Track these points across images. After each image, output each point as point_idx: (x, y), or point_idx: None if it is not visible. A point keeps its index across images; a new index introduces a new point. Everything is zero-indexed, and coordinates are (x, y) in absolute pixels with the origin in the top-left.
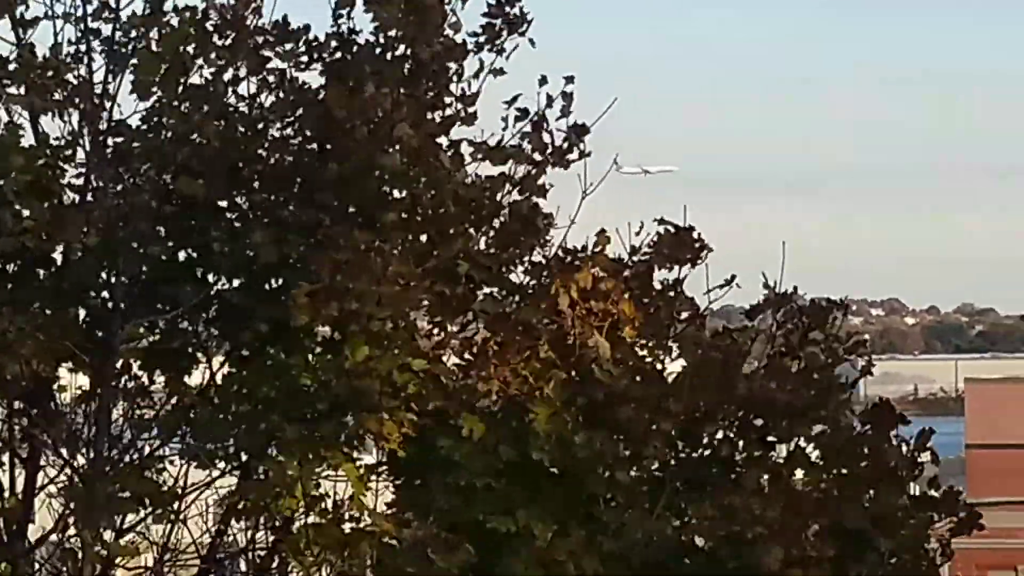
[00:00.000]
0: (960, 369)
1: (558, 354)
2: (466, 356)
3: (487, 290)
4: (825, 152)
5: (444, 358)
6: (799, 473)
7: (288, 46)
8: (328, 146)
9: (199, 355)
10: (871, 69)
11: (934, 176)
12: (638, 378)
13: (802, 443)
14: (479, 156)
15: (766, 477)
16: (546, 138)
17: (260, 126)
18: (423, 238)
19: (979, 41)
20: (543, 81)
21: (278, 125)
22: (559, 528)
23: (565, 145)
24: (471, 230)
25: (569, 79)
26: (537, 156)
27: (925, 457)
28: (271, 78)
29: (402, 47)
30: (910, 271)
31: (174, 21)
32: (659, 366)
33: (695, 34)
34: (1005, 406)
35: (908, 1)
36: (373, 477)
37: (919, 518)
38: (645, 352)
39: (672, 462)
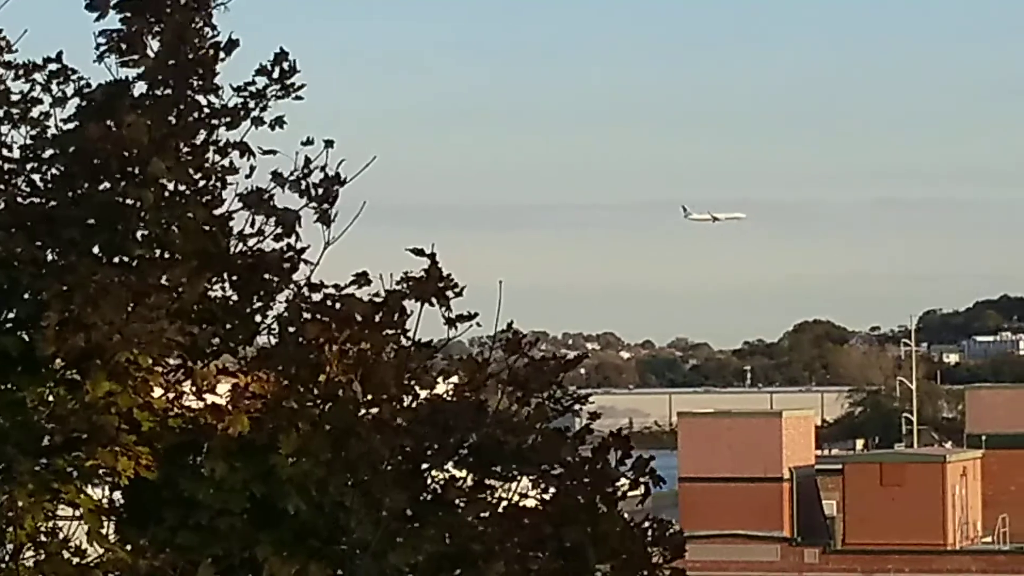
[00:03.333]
0: (674, 403)
1: (312, 390)
2: (215, 394)
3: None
4: (542, 188)
5: (188, 396)
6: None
7: (55, 84)
8: (80, 185)
9: None
10: (588, 105)
11: (649, 213)
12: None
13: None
14: (241, 204)
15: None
16: (305, 187)
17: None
18: (172, 277)
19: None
20: (308, 142)
21: (30, 165)
22: (300, 565)
23: (322, 194)
24: (220, 272)
25: (329, 143)
26: (298, 200)
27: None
28: (31, 114)
29: (168, 93)
30: (625, 306)
31: None
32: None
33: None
34: (717, 440)
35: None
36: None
37: (637, 539)
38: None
39: (401, 497)
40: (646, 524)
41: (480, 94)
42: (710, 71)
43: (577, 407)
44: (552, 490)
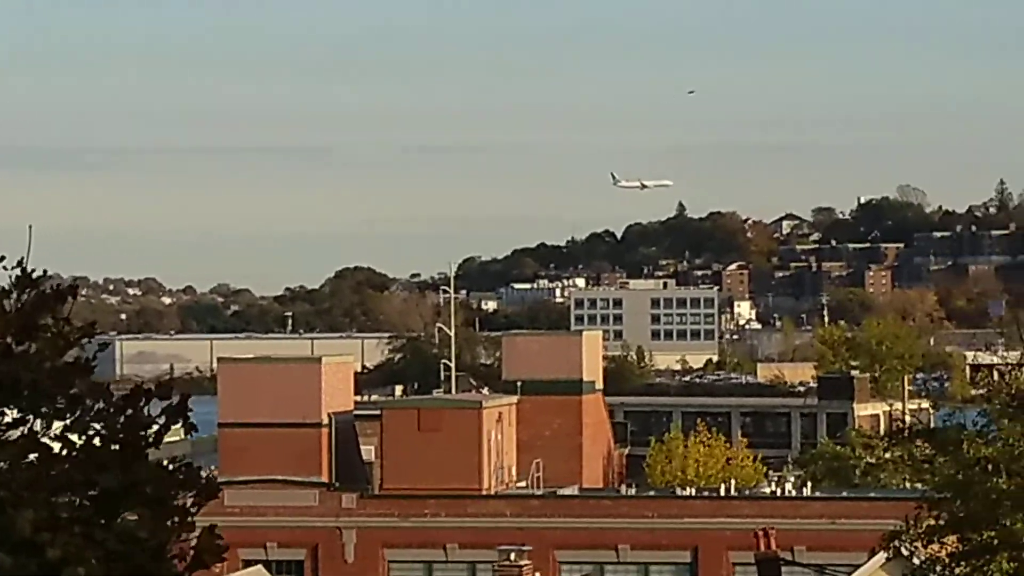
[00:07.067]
0: (215, 349)
1: None
2: None
3: None
4: (86, 130)
5: None
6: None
7: None
8: None
9: None
10: (134, 48)
11: (187, 156)
12: None
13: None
14: None
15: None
16: None
17: None
18: None
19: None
20: None
21: None
22: None
23: None
24: None
25: None
26: None
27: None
28: None
29: None
30: (167, 251)
31: None
32: None
33: None
34: (256, 385)
35: None
36: None
37: (169, 484)
38: None
39: None
40: (174, 467)
41: (29, 38)
42: (250, 15)
43: (85, 340)
44: (84, 435)
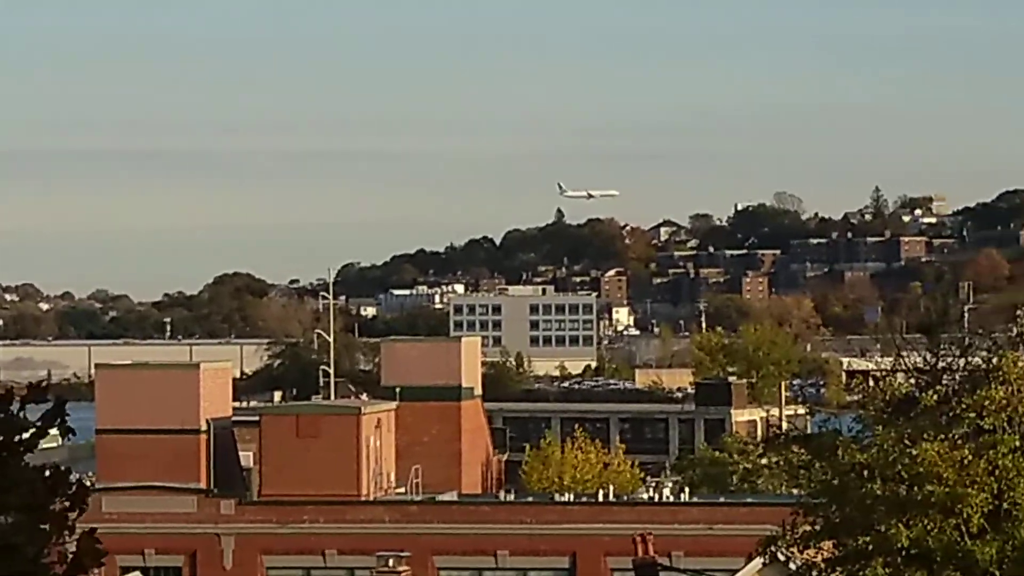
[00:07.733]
0: (93, 355)
1: None
2: None
3: None
4: None
5: None
6: None
7: None
8: None
9: None
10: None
11: (67, 159)
12: None
13: None
14: None
15: None
16: None
17: None
18: None
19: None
20: None
21: None
22: None
23: None
24: None
25: None
26: None
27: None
28: None
29: None
30: (45, 256)
31: None
32: None
33: None
34: (134, 391)
35: None
36: None
37: (44, 487)
38: None
39: None
40: (48, 473)
41: None
42: (130, 15)
43: None
44: None
